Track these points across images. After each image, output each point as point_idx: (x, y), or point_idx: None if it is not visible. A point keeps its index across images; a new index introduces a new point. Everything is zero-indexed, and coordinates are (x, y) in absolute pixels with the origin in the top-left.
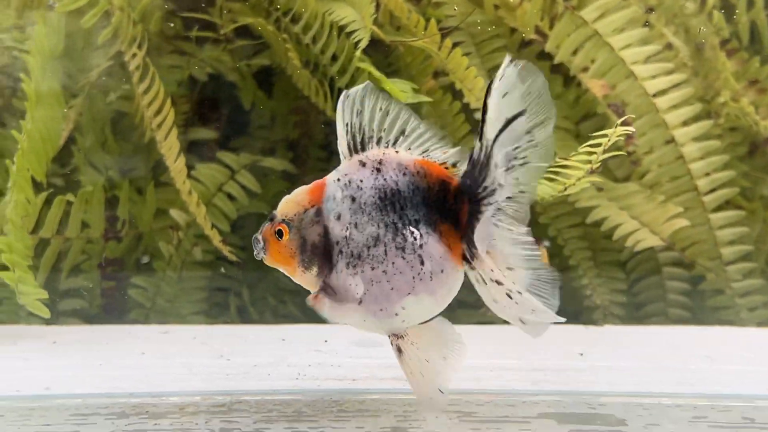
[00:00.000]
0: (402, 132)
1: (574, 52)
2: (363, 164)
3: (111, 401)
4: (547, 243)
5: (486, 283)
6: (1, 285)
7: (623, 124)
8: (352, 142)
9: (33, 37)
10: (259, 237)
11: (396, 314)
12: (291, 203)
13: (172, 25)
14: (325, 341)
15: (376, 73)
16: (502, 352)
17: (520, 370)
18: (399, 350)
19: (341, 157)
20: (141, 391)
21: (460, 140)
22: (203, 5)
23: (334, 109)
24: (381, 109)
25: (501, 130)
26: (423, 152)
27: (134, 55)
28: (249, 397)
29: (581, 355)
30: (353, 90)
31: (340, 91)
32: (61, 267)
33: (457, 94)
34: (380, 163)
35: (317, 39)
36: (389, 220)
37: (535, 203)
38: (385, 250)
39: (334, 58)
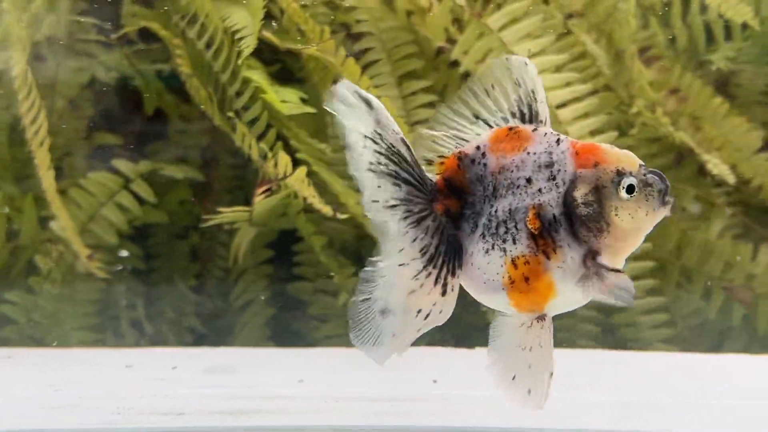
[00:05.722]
0: None
1: (481, 61)
2: None
3: None
4: None
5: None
6: None
7: None
8: None
9: None
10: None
11: None
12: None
13: (80, 22)
14: None
15: (262, 82)
16: None
17: None
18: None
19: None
20: None
21: None
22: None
23: (226, 119)
24: None
25: None
26: None
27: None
28: None
29: None
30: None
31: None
32: None
33: None
34: None
35: (210, 44)
36: None
37: None
38: None
39: (225, 65)
